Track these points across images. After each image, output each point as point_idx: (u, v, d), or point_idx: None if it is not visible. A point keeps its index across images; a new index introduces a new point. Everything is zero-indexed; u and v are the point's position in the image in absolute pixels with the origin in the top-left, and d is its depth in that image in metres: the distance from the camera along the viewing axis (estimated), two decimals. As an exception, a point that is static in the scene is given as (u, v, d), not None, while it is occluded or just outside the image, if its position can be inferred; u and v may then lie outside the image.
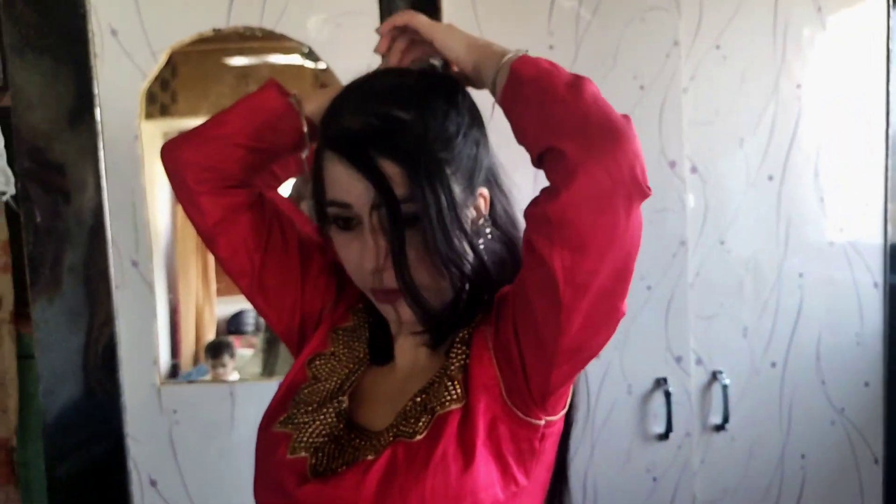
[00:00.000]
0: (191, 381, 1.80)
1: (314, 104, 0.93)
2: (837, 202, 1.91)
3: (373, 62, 1.73)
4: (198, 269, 1.93)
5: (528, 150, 0.78)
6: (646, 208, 1.84)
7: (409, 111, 0.79)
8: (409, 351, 0.90)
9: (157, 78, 1.93)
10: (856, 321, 1.93)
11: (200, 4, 1.70)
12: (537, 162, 0.77)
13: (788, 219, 1.90)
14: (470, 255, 0.81)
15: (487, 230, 0.85)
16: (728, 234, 1.88)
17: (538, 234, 0.73)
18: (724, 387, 1.87)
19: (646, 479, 1.88)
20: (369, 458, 0.80)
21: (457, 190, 0.80)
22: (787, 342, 1.92)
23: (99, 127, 1.67)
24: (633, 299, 1.82)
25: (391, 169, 0.77)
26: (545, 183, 0.75)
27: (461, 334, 0.85)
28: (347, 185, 0.79)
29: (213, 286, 1.96)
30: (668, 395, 1.84)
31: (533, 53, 1.87)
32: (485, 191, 0.86)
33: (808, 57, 1.88)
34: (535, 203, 0.75)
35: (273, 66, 2.11)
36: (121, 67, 1.68)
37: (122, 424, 1.70)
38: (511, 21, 1.79)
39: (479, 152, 0.84)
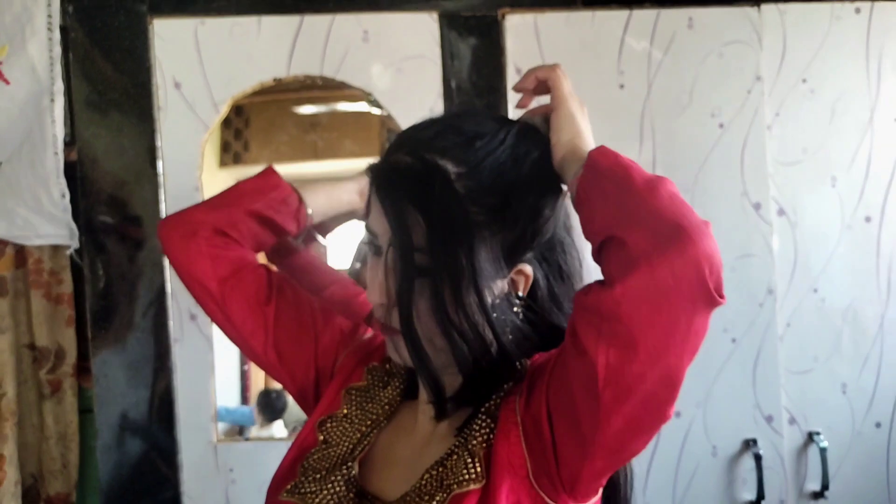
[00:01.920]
0: (248, 439, 1.76)
1: (314, 198, 1.00)
2: (946, 244, 1.75)
3: (435, 107, 1.71)
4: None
5: (591, 240, 0.73)
6: (729, 254, 1.73)
7: (459, 165, 0.76)
8: (430, 414, 0.84)
9: (230, 127, 1.94)
10: (972, 376, 1.75)
11: (261, 55, 1.70)
12: (597, 253, 0.71)
13: (890, 263, 1.76)
14: (482, 328, 0.75)
15: (517, 309, 0.79)
16: (821, 281, 1.75)
17: (585, 324, 0.68)
18: (822, 449, 1.72)
19: (735, 551, 1.73)
20: None
21: (483, 258, 0.74)
22: (892, 400, 1.76)
23: (161, 179, 1.68)
24: (717, 353, 1.71)
25: (415, 217, 0.74)
26: None
27: (487, 404, 0.79)
28: (377, 216, 0.78)
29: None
30: (758, 458, 1.71)
31: (602, 93, 1.78)
32: (527, 268, 0.79)
33: (906, 87, 1.75)
34: (586, 291, 0.70)
35: (340, 114, 2.14)
36: (183, 120, 1.68)
37: (179, 482, 1.67)
38: (578, 59, 1.72)
39: (535, 226, 0.78)
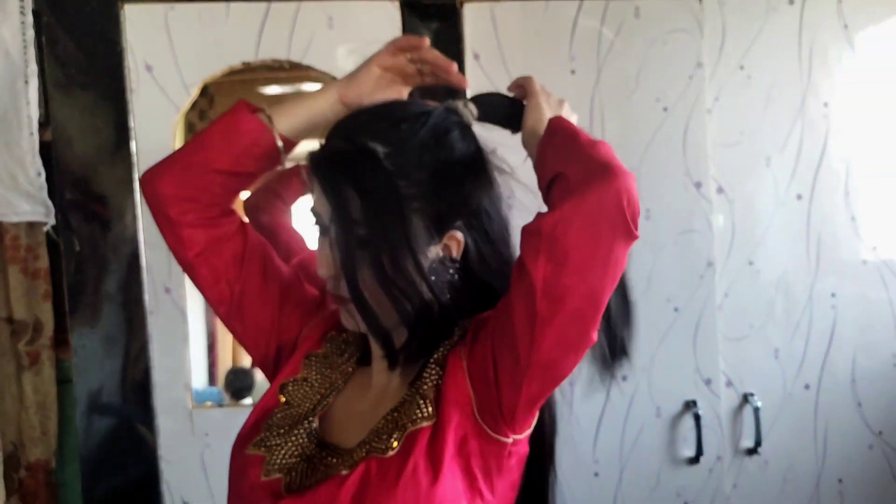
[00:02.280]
0: (221, 406, 1.84)
1: (288, 119, 0.97)
2: (870, 220, 1.89)
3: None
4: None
5: (543, 182, 0.86)
6: (671, 230, 1.86)
7: (386, 145, 0.85)
8: (384, 373, 0.93)
9: (194, 108, 2.00)
10: (892, 341, 1.90)
11: (230, 39, 1.76)
12: (546, 192, 0.84)
13: (819, 238, 1.89)
14: (421, 288, 0.85)
15: (451, 271, 0.88)
16: (757, 254, 1.87)
17: (528, 247, 0.79)
18: (756, 409, 1.86)
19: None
20: (343, 472, 0.83)
21: (416, 226, 0.85)
22: (820, 364, 1.90)
23: (135, 159, 1.74)
24: (660, 321, 1.84)
25: (351, 194, 0.83)
26: None
27: (435, 355, 0.88)
28: (318, 198, 0.87)
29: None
30: (697, 417, 1.84)
31: (555, 78, 1.90)
32: (458, 234, 0.88)
33: (834, 75, 1.88)
34: (532, 220, 0.81)
35: (305, 94, 2.18)
36: (155, 101, 1.75)
37: (156, 447, 1.75)
38: (533, 46, 1.82)
39: (461, 196, 0.88)
